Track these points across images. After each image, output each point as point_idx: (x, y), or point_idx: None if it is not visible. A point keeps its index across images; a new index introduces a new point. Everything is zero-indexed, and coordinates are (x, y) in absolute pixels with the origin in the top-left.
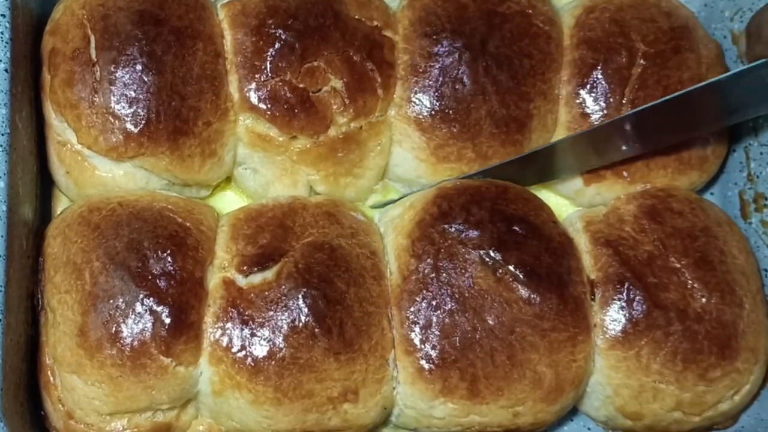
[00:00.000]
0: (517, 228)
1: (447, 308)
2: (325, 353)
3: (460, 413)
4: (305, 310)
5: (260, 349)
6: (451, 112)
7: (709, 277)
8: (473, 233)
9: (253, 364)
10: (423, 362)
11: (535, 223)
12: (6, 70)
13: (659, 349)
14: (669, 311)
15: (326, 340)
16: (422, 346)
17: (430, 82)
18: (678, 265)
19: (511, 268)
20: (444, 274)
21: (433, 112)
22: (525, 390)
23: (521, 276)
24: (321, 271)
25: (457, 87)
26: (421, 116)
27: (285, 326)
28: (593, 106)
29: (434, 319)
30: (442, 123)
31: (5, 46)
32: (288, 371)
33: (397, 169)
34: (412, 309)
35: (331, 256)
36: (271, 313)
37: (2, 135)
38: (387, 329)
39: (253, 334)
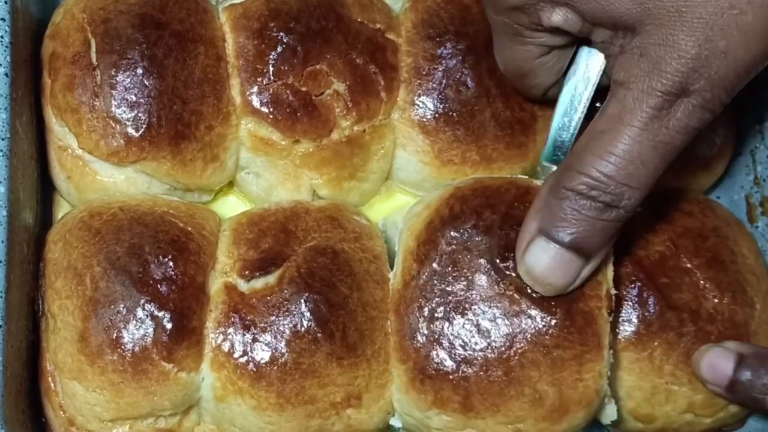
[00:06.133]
0: None
1: (444, 318)
2: (328, 358)
3: (456, 426)
4: (308, 314)
5: (262, 355)
6: (455, 114)
7: (721, 277)
8: (480, 239)
9: (255, 370)
10: (416, 372)
11: None
12: (6, 74)
13: (672, 350)
14: (682, 312)
15: (329, 345)
16: (416, 356)
17: (434, 85)
18: (690, 265)
19: (515, 278)
20: (445, 282)
21: (436, 115)
22: (524, 408)
23: (526, 288)
24: (324, 276)
25: (460, 89)
26: (424, 119)
27: (287, 331)
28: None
29: (430, 328)
30: (446, 126)
31: (5, 50)
32: (290, 377)
33: (401, 172)
34: (409, 316)
35: (333, 261)
36: (274, 318)
37: (2, 140)
38: (390, 334)
39: (255, 340)
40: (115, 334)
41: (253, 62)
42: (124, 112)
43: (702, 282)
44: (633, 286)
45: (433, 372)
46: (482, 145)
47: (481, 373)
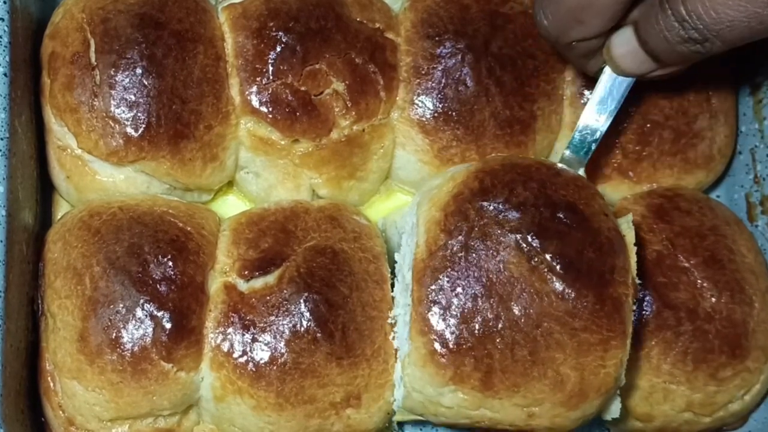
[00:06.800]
0: (562, 215)
1: (471, 291)
2: (328, 358)
3: (470, 405)
4: (307, 314)
5: (262, 354)
6: (454, 114)
7: (719, 275)
8: (512, 214)
9: (254, 370)
10: (437, 345)
11: (584, 212)
12: (5, 74)
13: (669, 350)
14: (679, 311)
15: (328, 345)
16: (438, 328)
17: (433, 84)
18: (687, 265)
19: (547, 257)
20: (473, 255)
21: (436, 115)
22: (544, 390)
23: (558, 268)
24: (323, 276)
25: (460, 89)
26: (424, 118)
27: (287, 331)
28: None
29: (455, 301)
30: (446, 125)
31: (4, 50)
32: (290, 376)
33: (401, 171)
34: (433, 287)
35: (333, 261)
36: (273, 317)
37: (2, 139)
38: (390, 334)
39: (254, 339)
40: (114, 334)
41: (253, 62)
42: (124, 111)
43: (699, 281)
44: None
45: (455, 346)
46: (482, 145)
47: (507, 351)
